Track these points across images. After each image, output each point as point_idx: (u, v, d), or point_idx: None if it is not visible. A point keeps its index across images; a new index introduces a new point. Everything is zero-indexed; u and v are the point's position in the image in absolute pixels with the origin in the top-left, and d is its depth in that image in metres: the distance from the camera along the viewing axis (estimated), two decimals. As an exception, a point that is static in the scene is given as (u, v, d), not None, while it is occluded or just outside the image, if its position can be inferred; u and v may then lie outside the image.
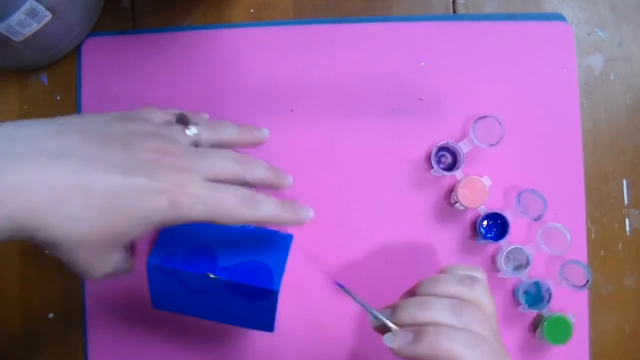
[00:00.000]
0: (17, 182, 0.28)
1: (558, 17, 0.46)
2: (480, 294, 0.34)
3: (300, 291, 0.45)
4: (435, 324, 0.31)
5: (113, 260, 0.33)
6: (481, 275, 0.36)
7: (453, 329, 0.31)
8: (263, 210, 0.34)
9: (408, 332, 0.32)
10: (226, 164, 0.34)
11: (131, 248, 0.35)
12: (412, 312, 0.32)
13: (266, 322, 0.39)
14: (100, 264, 0.32)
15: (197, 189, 0.33)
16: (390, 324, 0.33)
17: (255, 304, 0.38)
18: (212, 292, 0.38)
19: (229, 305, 0.38)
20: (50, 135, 0.31)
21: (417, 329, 0.32)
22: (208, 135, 0.38)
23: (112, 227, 0.31)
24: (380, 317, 0.33)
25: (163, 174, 0.32)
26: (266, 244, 0.40)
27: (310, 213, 0.38)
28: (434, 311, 0.32)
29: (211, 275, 0.37)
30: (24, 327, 0.47)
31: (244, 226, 0.41)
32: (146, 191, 0.31)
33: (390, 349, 0.32)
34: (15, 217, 0.28)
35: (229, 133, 0.39)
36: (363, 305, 0.34)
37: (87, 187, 0.30)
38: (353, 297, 0.35)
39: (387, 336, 0.32)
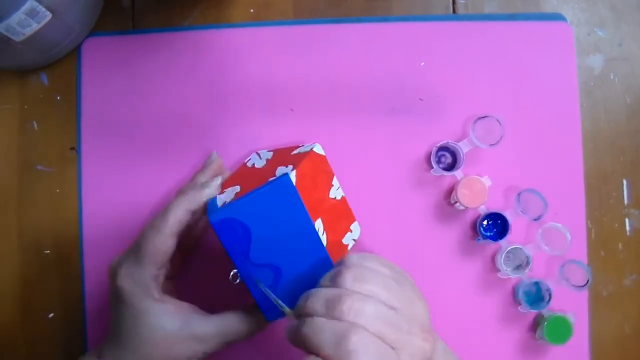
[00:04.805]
0: None
1: (558, 17, 0.46)
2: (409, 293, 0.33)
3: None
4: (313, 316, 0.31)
5: None
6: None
7: (327, 321, 0.30)
8: None
9: (295, 320, 0.32)
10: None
11: None
12: (306, 301, 0.32)
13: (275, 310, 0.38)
14: None
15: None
16: (286, 309, 0.34)
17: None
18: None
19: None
20: None
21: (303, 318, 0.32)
22: None
23: None
24: (281, 303, 0.34)
25: None
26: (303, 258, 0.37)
27: None
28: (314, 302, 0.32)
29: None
30: (24, 327, 0.47)
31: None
32: None
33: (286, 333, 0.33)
34: None
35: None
36: (268, 294, 0.35)
37: None
38: (263, 289, 0.36)
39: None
